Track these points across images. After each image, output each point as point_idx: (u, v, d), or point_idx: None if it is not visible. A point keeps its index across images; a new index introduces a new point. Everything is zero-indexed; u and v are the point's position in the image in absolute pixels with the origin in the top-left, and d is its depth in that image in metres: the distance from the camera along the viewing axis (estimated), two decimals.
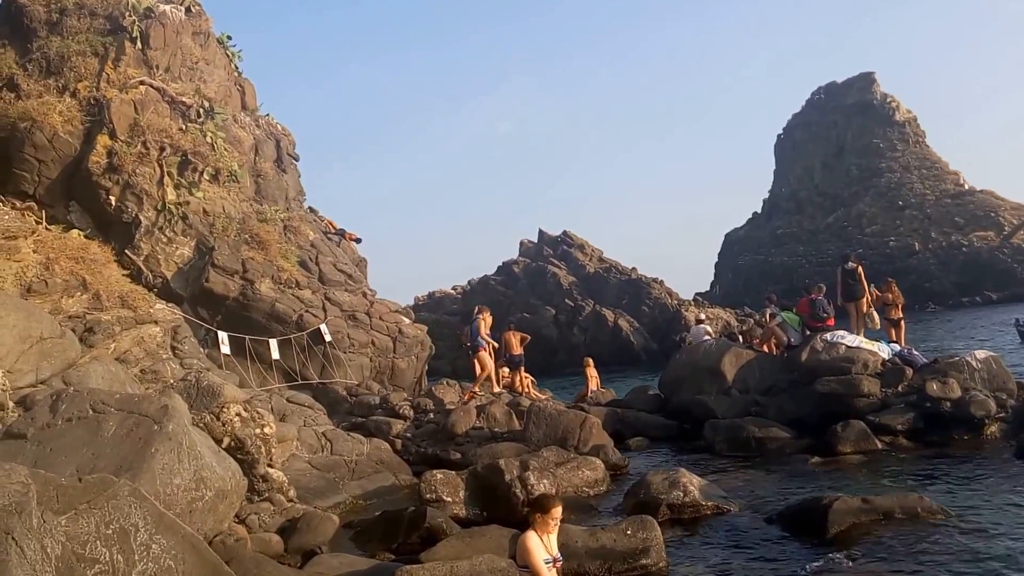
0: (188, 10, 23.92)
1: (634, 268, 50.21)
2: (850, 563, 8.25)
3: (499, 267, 53.91)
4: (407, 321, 23.34)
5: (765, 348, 19.30)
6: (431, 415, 17.40)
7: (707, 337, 20.53)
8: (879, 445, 13.70)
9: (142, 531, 6.26)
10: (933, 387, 14.46)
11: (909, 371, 15.52)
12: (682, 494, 10.80)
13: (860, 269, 18.32)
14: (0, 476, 5.92)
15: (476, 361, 19.15)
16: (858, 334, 17.26)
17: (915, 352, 16.74)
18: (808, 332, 17.49)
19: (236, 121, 24.01)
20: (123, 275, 16.79)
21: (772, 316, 19.90)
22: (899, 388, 15.22)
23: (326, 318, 20.48)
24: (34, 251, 13.98)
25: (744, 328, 33.27)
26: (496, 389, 19.60)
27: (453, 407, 17.27)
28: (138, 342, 14.09)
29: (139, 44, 21.67)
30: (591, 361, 23.17)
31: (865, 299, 18.06)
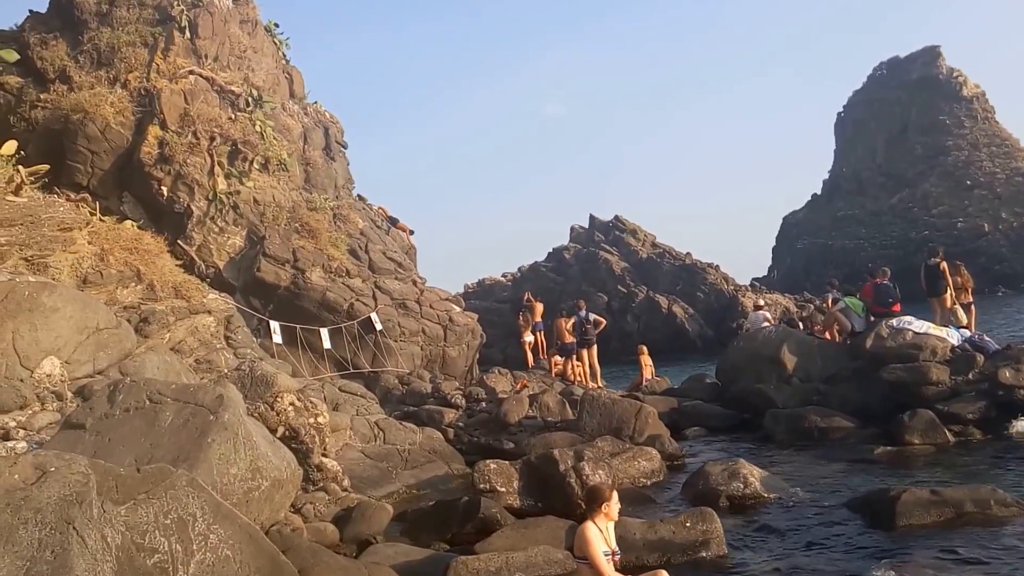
0: None
1: (688, 253, 49.67)
2: (919, 558, 8.02)
3: (549, 253, 53.70)
4: (457, 309, 23.45)
5: (827, 335, 19.04)
6: (483, 404, 17.47)
7: (766, 324, 20.28)
8: (948, 435, 13.39)
9: (200, 521, 6.38)
10: (1006, 374, 14.07)
11: (980, 358, 15.12)
12: (742, 485, 10.71)
13: (944, 265, 17.79)
14: (61, 466, 6.08)
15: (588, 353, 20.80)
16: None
17: (986, 338, 16.34)
18: (872, 318, 17.18)
19: (284, 109, 24.31)
20: (176, 265, 17.12)
21: (834, 301, 19.58)
22: (969, 376, 14.84)
23: (376, 307, 20.67)
24: (89, 242, 14.30)
25: (804, 314, 32.78)
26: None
27: (505, 396, 17.33)
28: (192, 332, 14.37)
29: (187, 34, 22.05)
30: (645, 348, 23.07)
31: (948, 295, 17.57)
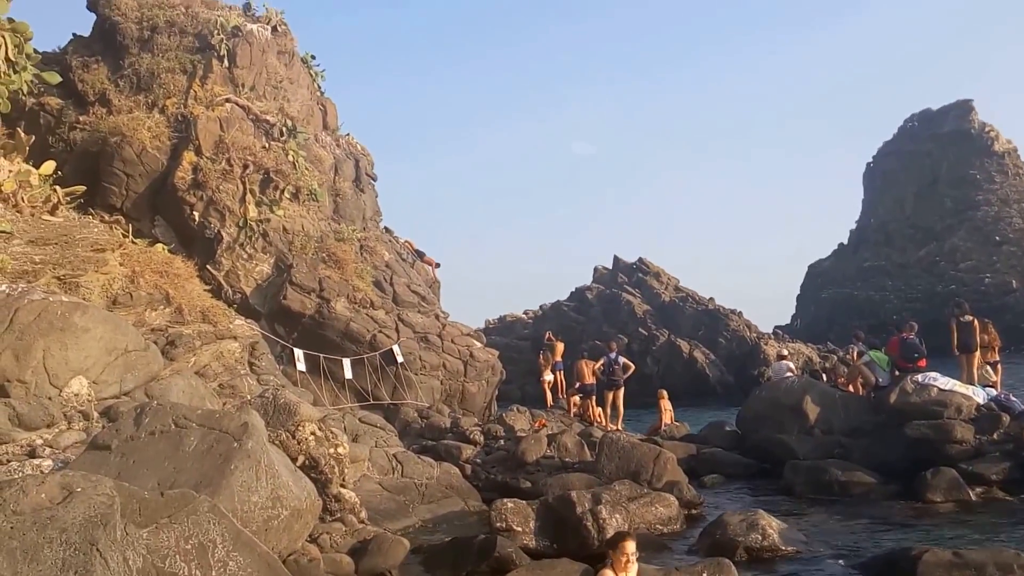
0: (274, 29, 24.72)
1: (711, 298, 49.51)
2: None
3: (572, 293, 53.60)
4: (478, 345, 23.52)
5: (851, 388, 18.92)
6: (501, 441, 17.46)
7: (789, 374, 20.19)
8: (972, 495, 13.24)
9: (220, 547, 6.44)
10: None
11: (1006, 418, 15.00)
12: (760, 537, 10.63)
13: (976, 323, 17.69)
14: (87, 487, 6.18)
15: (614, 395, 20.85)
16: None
17: (1012, 398, 16.18)
18: (897, 372, 17.07)
19: (317, 140, 24.67)
20: (204, 290, 17.32)
21: (859, 354, 19.48)
22: (994, 435, 14.73)
23: (399, 339, 20.79)
24: (121, 264, 14.52)
25: (828, 365, 32.56)
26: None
27: (524, 434, 17.31)
28: (217, 357, 14.51)
29: (226, 62, 22.48)
30: (665, 393, 22.95)
31: (978, 354, 17.46)
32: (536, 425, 18.43)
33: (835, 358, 37.34)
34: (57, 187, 16.70)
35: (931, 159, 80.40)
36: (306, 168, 22.63)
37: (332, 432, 11.39)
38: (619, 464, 14.27)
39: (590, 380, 21.06)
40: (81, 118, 20.78)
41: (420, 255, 26.94)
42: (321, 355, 19.36)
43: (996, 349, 18.62)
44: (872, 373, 17.67)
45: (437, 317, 23.23)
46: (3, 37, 16.94)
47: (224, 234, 20.23)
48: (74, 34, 23.51)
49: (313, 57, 27.06)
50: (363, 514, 11.15)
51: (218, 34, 22.61)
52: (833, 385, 19.60)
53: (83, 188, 18.12)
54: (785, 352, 25.77)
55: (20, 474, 8.27)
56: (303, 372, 18.88)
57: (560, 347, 24.96)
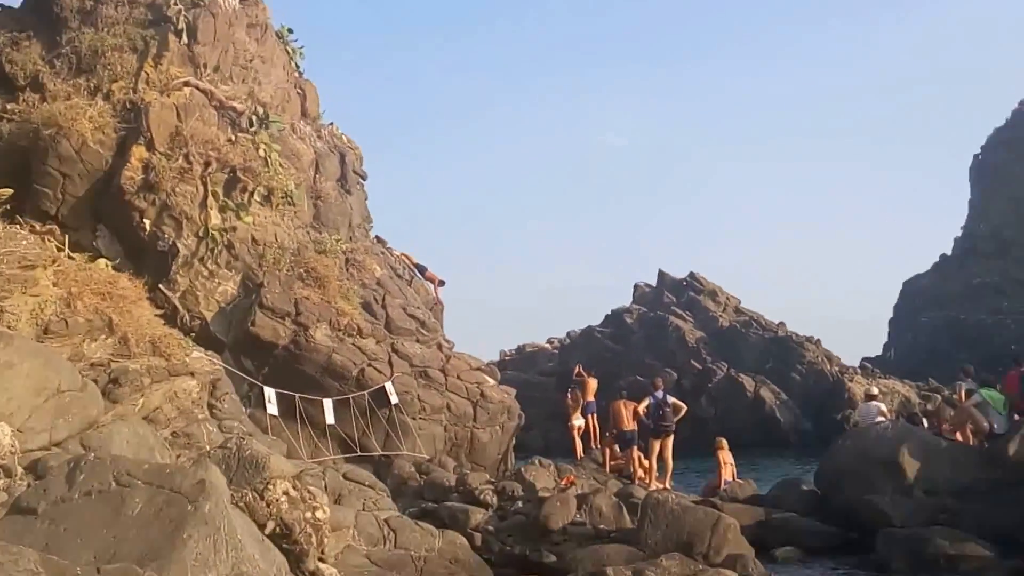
0: None
1: (781, 323, 49.31)
2: None
3: (607, 316, 53.41)
4: (491, 382, 23.49)
5: (958, 435, 18.77)
6: (519, 503, 17.37)
7: (880, 418, 20.03)
8: None
9: None
10: None
11: None
12: None
13: None
14: (6, 562, 6.15)
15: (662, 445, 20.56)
16: None
17: None
18: (1017, 416, 16.90)
19: (294, 131, 24.77)
20: (156, 315, 17.39)
21: (968, 394, 19.31)
22: None
23: (392, 375, 20.76)
24: (54, 284, 14.59)
25: (930, 408, 32.33)
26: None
27: (547, 494, 17.21)
28: (170, 398, 14.54)
29: (185, 38, 22.56)
30: (724, 442, 22.79)
31: None
32: (563, 483, 18.32)
33: (938, 398, 37.09)
34: None
35: None
36: (280, 165, 22.70)
37: (309, 492, 11.36)
38: (667, 532, 14.19)
39: (630, 426, 20.89)
40: (8, 106, 20.89)
41: (420, 270, 26.98)
42: (297, 395, 19.37)
43: None
44: (985, 417, 17.52)
45: (440, 347, 23.23)
46: None
47: (180, 246, 20.27)
48: (1, 5, 23.72)
49: (290, 31, 27.23)
50: None
51: (175, 5, 22.68)
52: (936, 433, 19.43)
53: (10, 191, 18.26)
54: (875, 391, 25.57)
55: None
56: (275, 416, 18.89)
57: (592, 384, 24.81)
